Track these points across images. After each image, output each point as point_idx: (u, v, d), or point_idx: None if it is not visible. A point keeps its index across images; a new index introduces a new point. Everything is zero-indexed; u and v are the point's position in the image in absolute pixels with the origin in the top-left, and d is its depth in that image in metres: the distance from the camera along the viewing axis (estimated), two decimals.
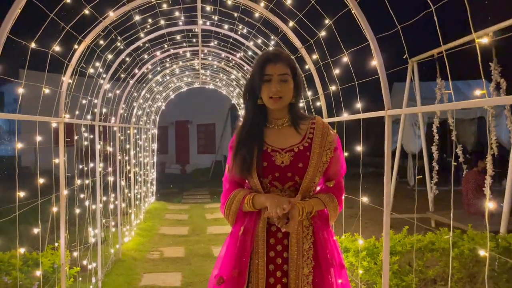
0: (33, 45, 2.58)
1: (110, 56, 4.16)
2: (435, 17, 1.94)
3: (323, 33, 3.12)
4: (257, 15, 3.62)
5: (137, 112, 7.01)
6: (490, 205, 2.06)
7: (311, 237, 1.94)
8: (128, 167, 6.55)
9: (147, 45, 4.86)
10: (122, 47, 4.27)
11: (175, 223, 8.04)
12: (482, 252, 3.19)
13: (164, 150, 17.91)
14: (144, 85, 6.66)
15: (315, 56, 3.36)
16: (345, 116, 3.23)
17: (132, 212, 6.91)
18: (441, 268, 4.00)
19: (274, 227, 1.91)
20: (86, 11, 2.95)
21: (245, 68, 6.02)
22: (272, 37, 3.95)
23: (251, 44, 4.65)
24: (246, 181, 2.01)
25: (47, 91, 3.05)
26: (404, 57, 2.16)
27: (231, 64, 6.52)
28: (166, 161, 18.00)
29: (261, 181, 1.91)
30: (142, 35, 4.32)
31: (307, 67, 3.62)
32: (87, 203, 4.21)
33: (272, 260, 1.91)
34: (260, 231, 1.93)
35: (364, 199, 3.40)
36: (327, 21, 2.88)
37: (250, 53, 5.04)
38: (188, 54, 6.13)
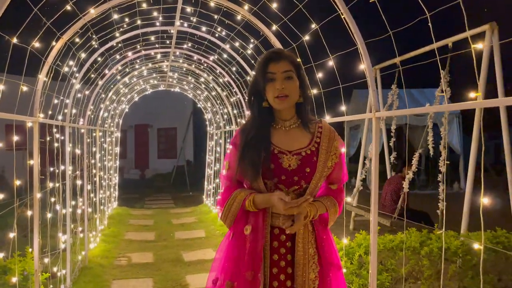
0: (14, 40, 2.46)
1: (83, 55, 4.03)
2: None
3: (307, 37, 3.18)
4: (239, 17, 3.64)
5: (103, 114, 6.80)
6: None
7: (315, 241, 1.93)
8: (94, 171, 6.33)
9: (120, 45, 4.75)
10: (96, 46, 4.15)
11: (141, 228, 7.85)
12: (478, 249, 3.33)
13: (122, 155, 17.44)
14: (112, 86, 6.48)
15: (298, 60, 3.41)
16: (328, 118, 3.30)
17: (98, 218, 6.67)
18: (411, 267, 4.17)
19: (277, 229, 1.88)
20: (68, 7, 2.85)
21: (217, 71, 6.02)
22: (252, 40, 3.98)
23: (227, 46, 4.65)
24: (248, 182, 1.94)
25: (23, 89, 2.91)
26: (397, 63, 2.25)
27: (202, 66, 6.48)
28: (125, 166, 17.53)
29: (265, 183, 1.87)
30: (117, 34, 4.21)
31: None
32: (58, 207, 4.04)
33: (276, 263, 1.88)
34: (265, 230, 1.88)
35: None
36: (313, 26, 2.94)
37: (225, 55, 5.04)
38: (158, 56, 6.04)
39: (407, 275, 4.15)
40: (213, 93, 7.56)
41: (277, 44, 3.57)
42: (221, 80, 6.35)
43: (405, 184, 4.92)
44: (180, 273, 5.31)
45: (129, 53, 5.25)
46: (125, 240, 6.90)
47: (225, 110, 7.39)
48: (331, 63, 2.92)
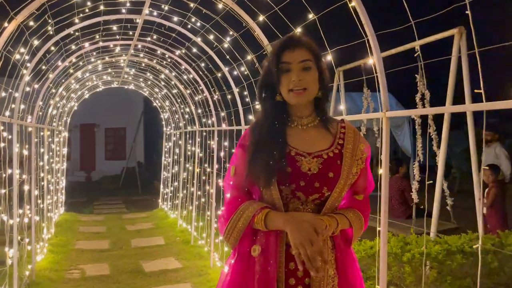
0: None
1: (36, 42, 3.51)
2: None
3: (299, 29, 2.92)
4: (220, 6, 3.31)
5: (52, 111, 6.17)
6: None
7: (335, 261, 1.63)
8: (42, 174, 5.70)
9: (77, 33, 4.23)
10: (51, 33, 3.64)
11: (93, 236, 7.22)
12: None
13: (67, 156, 16.38)
14: (64, 81, 5.88)
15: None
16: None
17: (45, 226, 6.03)
18: (392, 274, 4.04)
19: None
20: None
21: (183, 67, 5.62)
22: (231, 33, 3.66)
23: (199, 40, 4.30)
24: (260, 189, 1.62)
25: None
26: (415, 55, 2.04)
27: (165, 62, 6.05)
28: (69, 168, 16.44)
29: (280, 191, 1.58)
30: (76, 20, 3.72)
31: None
32: (4, 217, 3.49)
33: None
34: (279, 253, 1.59)
35: None
36: (310, 15, 2.68)
37: (195, 50, 4.67)
38: (117, 49, 5.54)
39: (388, 283, 4.02)
40: (174, 91, 7.12)
41: (262, 37, 3.28)
42: (185, 77, 5.96)
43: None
44: (141, 285, 4.86)
45: (86, 44, 4.73)
46: (76, 250, 6.29)
47: (187, 110, 6.98)
48: (329, 57, 2.68)
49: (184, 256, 5.92)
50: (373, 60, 2.31)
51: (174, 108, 7.94)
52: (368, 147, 1.72)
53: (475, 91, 1.74)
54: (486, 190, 5.54)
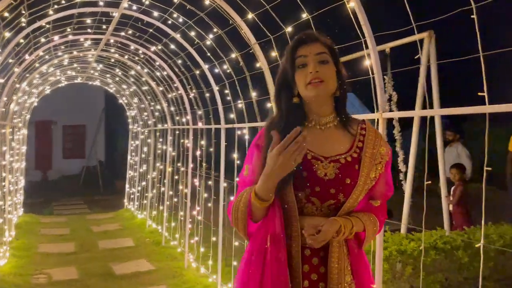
0: None
1: (8, 34, 3.29)
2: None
3: (289, 29, 2.90)
4: (207, 2, 3.23)
5: (14, 107, 5.83)
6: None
7: (351, 267, 1.57)
8: (4, 174, 5.38)
9: (48, 26, 4.01)
10: (23, 25, 3.42)
11: (56, 239, 6.91)
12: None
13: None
14: (28, 75, 5.56)
15: (274, 54, 3.12)
16: None
17: (7, 229, 5.69)
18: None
19: (308, 250, 1.53)
20: None
21: (157, 64, 5.47)
22: (215, 30, 3.60)
23: (178, 36, 4.19)
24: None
25: None
26: (416, 57, 2.08)
27: (137, 58, 5.86)
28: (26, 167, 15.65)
29: (296, 195, 1.51)
30: (50, 12, 3.52)
31: (258, 64, 3.37)
32: None
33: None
34: (294, 254, 1.52)
35: None
36: (304, 15, 2.67)
37: (172, 46, 4.55)
38: (87, 43, 5.31)
39: None
40: (145, 87, 6.93)
41: (249, 36, 3.24)
42: (158, 73, 5.80)
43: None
44: None
45: (56, 37, 4.49)
46: (40, 254, 5.99)
47: (158, 107, 6.81)
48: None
49: (156, 257, 5.78)
50: (371, 61, 2.33)
51: (143, 106, 7.72)
52: (389, 150, 1.64)
53: (478, 93, 1.79)
54: (453, 188, 5.77)
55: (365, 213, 1.60)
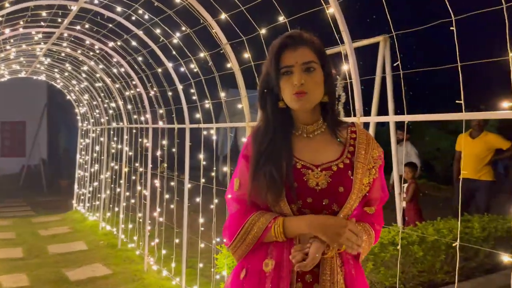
0: None
1: None
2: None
3: (263, 31, 2.90)
4: (177, 0, 3.15)
5: None
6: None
7: (344, 281, 1.46)
8: None
9: (1, 19, 3.72)
10: None
11: (1, 243, 6.45)
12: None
13: None
14: None
15: (247, 55, 3.11)
16: None
17: None
18: None
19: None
20: None
21: (114, 60, 5.25)
22: (183, 28, 3.51)
23: (141, 33, 4.05)
24: (267, 205, 1.48)
25: None
26: (395, 64, 2.14)
27: (91, 53, 5.59)
28: None
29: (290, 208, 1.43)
30: (7, 4, 3.26)
31: (229, 65, 3.34)
32: None
33: None
34: (292, 267, 1.43)
35: None
36: (281, 18, 2.67)
37: (134, 43, 4.39)
38: (38, 36, 4.98)
39: None
40: (98, 84, 6.63)
41: (221, 36, 3.20)
42: (115, 70, 5.57)
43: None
44: None
45: (7, 30, 4.17)
46: None
47: (113, 105, 6.55)
48: None
49: (112, 261, 5.57)
50: (349, 66, 2.38)
51: (95, 103, 7.39)
52: (381, 153, 1.54)
53: (456, 102, 1.89)
54: (406, 186, 6.05)
55: (359, 223, 1.49)
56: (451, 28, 1.88)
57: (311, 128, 1.50)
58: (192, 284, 4.29)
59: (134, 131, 5.97)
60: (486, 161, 6.07)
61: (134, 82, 5.21)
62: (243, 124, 3.32)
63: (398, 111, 2.72)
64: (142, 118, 5.50)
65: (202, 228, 4.09)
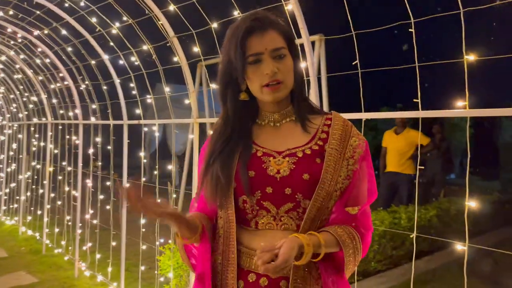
0: None
1: None
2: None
3: (215, 25, 2.82)
4: None
5: None
6: None
7: None
8: None
9: None
10: None
11: None
12: None
13: None
14: None
15: (196, 49, 3.01)
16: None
17: None
18: None
19: (265, 278, 1.22)
20: None
21: (39, 50, 4.81)
22: (125, 18, 3.31)
23: (73, 21, 3.75)
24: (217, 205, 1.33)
25: None
26: (354, 63, 2.19)
27: (12, 42, 5.06)
28: None
29: (244, 202, 1.26)
30: None
31: (175, 59, 3.21)
32: None
33: None
34: (229, 278, 1.25)
35: None
36: (236, 12, 2.61)
37: (64, 32, 4.05)
38: None
39: None
40: (17, 76, 6.04)
41: (168, 28, 3.06)
42: (39, 61, 5.11)
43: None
44: None
45: None
46: None
47: (34, 99, 6.01)
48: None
49: (38, 268, 5.13)
50: (307, 64, 2.39)
51: (12, 96, 6.73)
52: (363, 142, 1.33)
53: (414, 100, 1.98)
54: None
55: (340, 226, 1.25)
56: (409, 29, 1.96)
57: (278, 116, 1.34)
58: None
59: (60, 127, 5.54)
60: (408, 156, 6.52)
61: (61, 75, 4.82)
62: (191, 120, 3.22)
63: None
64: (71, 114, 5.11)
65: (143, 229, 3.91)
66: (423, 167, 6.78)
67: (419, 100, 2.00)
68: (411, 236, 2.05)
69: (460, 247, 1.87)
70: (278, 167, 1.24)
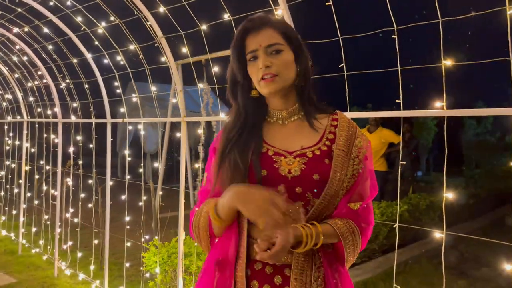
0: None
1: None
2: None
3: (204, 27, 2.92)
4: None
5: None
6: None
7: (322, 283, 1.28)
8: None
9: None
10: None
11: None
12: None
13: None
14: None
15: (185, 50, 3.09)
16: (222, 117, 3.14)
17: None
18: None
19: (270, 267, 1.27)
20: None
21: (17, 47, 4.74)
22: (112, 18, 3.35)
23: (57, 20, 3.74)
24: None
25: None
26: (340, 66, 2.33)
27: None
28: None
29: None
30: None
31: (163, 59, 3.29)
32: None
33: None
34: (238, 267, 1.29)
35: None
36: (226, 16, 2.72)
37: (46, 30, 4.02)
38: None
39: None
40: None
41: (156, 28, 3.13)
42: (15, 58, 5.03)
43: None
44: None
45: None
46: None
47: (9, 96, 5.89)
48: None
49: (15, 268, 5.06)
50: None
51: None
52: (366, 142, 1.40)
53: (397, 101, 2.15)
54: None
55: (340, 219, 1.31)
56: (393, 36, 2.12)
57: (285, 114, 1.40)
58: (118, 284, 4.12)
59: (37, 125, 5.47)
60: (380, 154, 6.78)
61: (40, 73, 4.78)
62: (179, 119, 3.30)
63: None
64: (49, 112, 5.06)
65: (128, 227, 3.95)
66: (404, 163, 7.07)
67: (400, 101, 2.17)
68: (394, 226, 2.21)
69: (438, 234, 2.05)
70: (289, 167, 1.30)
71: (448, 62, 1.95)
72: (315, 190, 1.28)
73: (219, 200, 1.28)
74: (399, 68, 2.15)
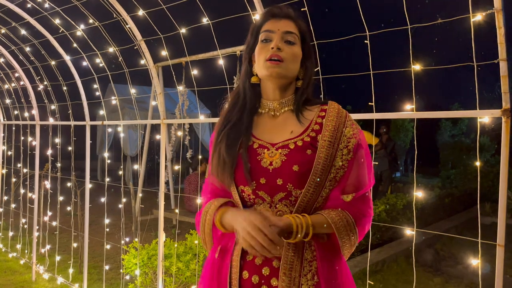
0: None
1: None
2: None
3: (183, 30, 2.96)
4: None
5: None
6: None
7: (314, 277, 1.28)
8: None
9: None
10: None
11: None
12: None
13: None
14: None
15: (164, 53, 3.12)
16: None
17: None
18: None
19: (251, 255, 1.31)
20: None
21: None
22: (91, 21, 3.35)
23: (35, 22, 3.72)
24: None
25: None
26: (316, 69, 2.39)
27: None
28: None
29: (242, 191, 1.35)
30: None
31: (142, 62, 3.31)
32: None
33: None
34: (235, 252, 1.34)
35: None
36: (204, 20, 2.76)
37: (23, 32, 3.99)
38: None
39: None
40: None
41: (136, 32, 3.15)
42: None
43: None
44: None
45: None
46: None
47: None
48: (221, 62, 2.83)
49: None
50: None
51: None
52: (358, 131, 1.37)
53: (369, 103, 2.23)
54: None
55: (334, 210, 1.31)
56: (365, 41, 2.20)
57: (278, 105, 1.40)
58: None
59: (14, 128, 5.39)
60: None
61: (17, 75, 4.72)
62: (158, 121, 3.32)
63: None
64: (26, 114, 5.01)
65: (107, 229, 3.94)
66: (377, 163, 7.22)
67: (373, 104, 2.25)
68: (381, 225, 2.28)
69: (409, 231, 2.14)
70: (271, 159, 1.31)
71: (417, 67, 2.04)
72: (296, 182, 1.29)
73: (228, 215, 1.31)
74: (371, 72, 2.24)
